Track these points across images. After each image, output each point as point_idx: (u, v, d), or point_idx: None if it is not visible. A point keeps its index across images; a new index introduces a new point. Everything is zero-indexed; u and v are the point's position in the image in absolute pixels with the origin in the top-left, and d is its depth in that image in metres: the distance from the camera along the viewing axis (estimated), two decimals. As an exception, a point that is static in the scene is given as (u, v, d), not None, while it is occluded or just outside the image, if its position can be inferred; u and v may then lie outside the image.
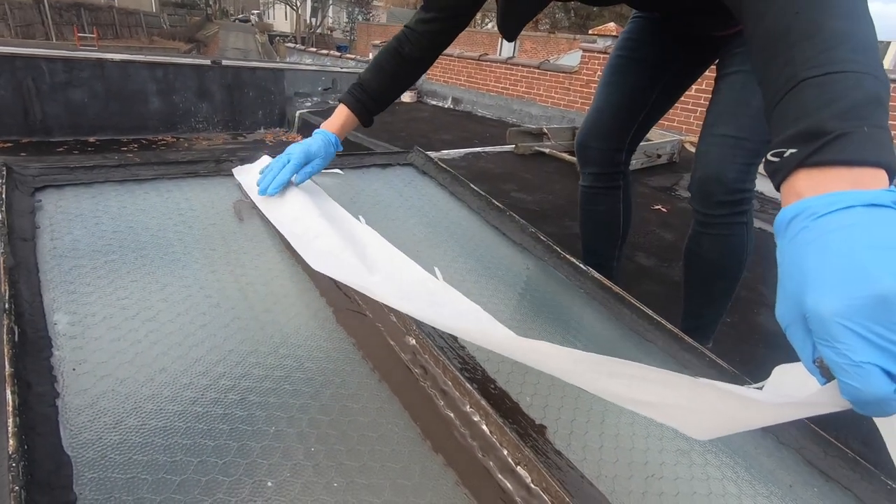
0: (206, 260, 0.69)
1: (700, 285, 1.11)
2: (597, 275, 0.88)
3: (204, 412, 0.49)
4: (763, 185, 1.61)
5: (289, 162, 0.84)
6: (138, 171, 0.84)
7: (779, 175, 0.38)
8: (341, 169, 1.06)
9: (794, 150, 0.37)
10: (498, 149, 3.11)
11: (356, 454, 0.49)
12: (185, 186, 0.85)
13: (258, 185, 0.84)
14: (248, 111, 5.84)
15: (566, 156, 2.99)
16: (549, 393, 0.63)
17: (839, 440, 0.64)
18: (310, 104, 6.25)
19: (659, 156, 3.11)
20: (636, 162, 2.94)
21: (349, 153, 1.12)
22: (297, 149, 0.86)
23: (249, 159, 0.97)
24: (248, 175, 0.93)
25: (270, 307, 0.65)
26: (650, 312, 0.81)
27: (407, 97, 7.03)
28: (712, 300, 1.13)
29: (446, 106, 6.89)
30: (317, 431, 0.50)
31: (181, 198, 0.82)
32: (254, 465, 0.45)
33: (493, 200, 1.06)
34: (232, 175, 0.92)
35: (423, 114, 6.15)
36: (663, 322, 0.80)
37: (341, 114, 0.94)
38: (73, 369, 0.49)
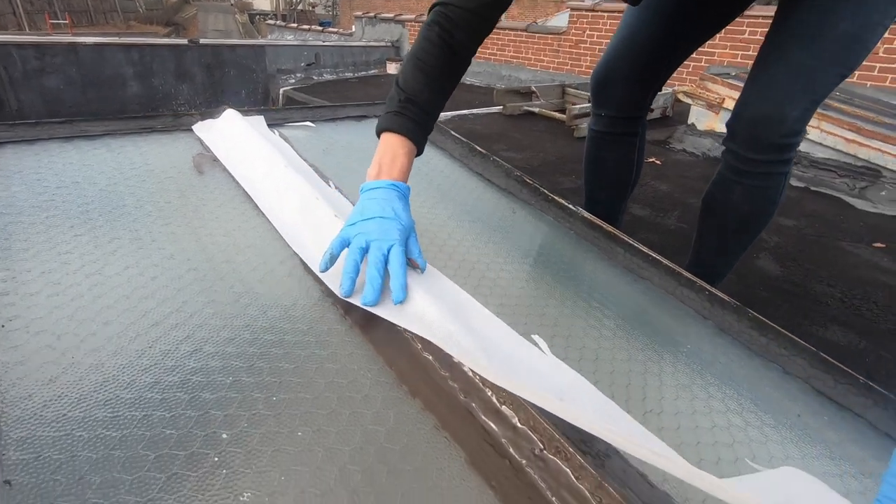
0: (159, 213, 0.64)
1: (719, 236, 1.01)
2: (586, 214, 0.83)
3: (152, 365, 0.44)
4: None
5: (389, 251, 0.55)
6: (87, 127, 0.77)
7: None
8: (312, 122, 1.00)
9: None
10: (485, 110, 3.02)
11: (324, 401, 0.44)
12: (140, 142, 0.79)
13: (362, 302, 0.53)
14: (231, 91, 5.68)
15: (556, 114, 2.90)
16: (538, 327, 0.58)
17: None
18: (293, 81, 6.09)
19: (651, 110, 3.02)
20: (629, 117, 2.86)
21: (321, 105, 1.05)
22: (381, 228, 0.56)
23: (212, 115, 0.91)
24: (211, 131, 0.87)
25: (232, 258, 0.59)
26: (645, 249, 0.76)
27: (393, 69, 6.85)
28: (727, 252, 1.04)
29: (434, 76, 6.71)
30: (280, 380, 0.45)
31: (135, 153, 0.76)
32: (207, 417, 0.41)
33: (476, 146, 0.99)
34: (192, 131, 0.86)
35: (410, 85, 5.98)
36: (658, 258, 0.75)
37: (398, 147, 0.65)
38: (2, 326, 0.44)
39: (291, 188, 0.71)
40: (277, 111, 0.99)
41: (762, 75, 0.83)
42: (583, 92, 3.08)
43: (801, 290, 1.29)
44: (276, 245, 0.63)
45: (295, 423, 0.42)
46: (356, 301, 0.54)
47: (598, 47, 5.08)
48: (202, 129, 0.86)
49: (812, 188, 2.13)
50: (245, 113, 0.92)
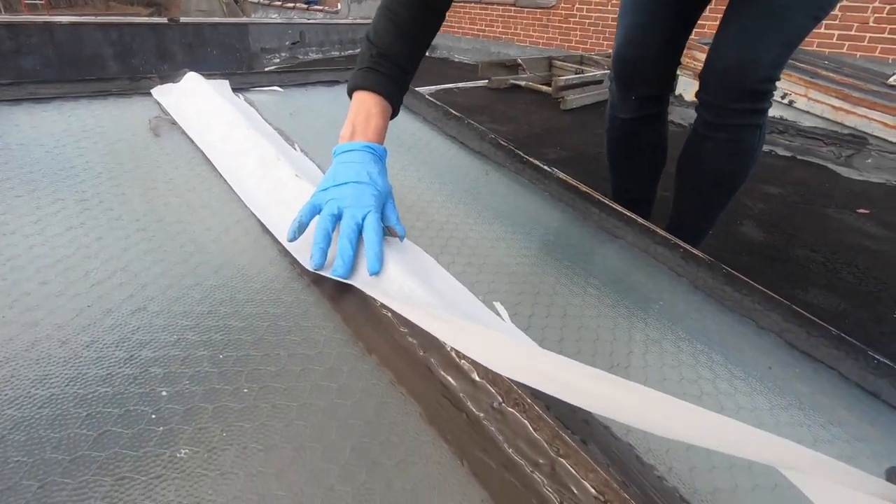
0: (109, 175, 0.61)
1: (697, 195, 0.99)
2: (561, 175, 0.81)
3: (90, 324, 0.42)
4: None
5: (364, 219, 0.51)
6: (37, 89, 0.74)
7: None
8: (281, 86, 0.96)
9: None
10: (471, 84, 2.96)
11: (273, 359, 0.42)
12: (94, 105, 0.76)
13: (335, 272, 0.49)
14: (214, 70, 5.56)
15: (543, 87, 2.85)
16: (506, 286, 0.56)
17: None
18: (278, 60, 5.95)
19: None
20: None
21: (289, 69, 1.01)
22: (355, 195, 0.52)
23: (172, 79, 0.87)
24: (171, 95, 0.83)
25: (184, 218, 0.57)
26: (619, 208, 0.74)
27: (380, 47, 6.72)
28: (707, 212, 1.01)
29: (422, 53, 6.60)
30: (228, 338, 0.43)
31: (88, 116, 0.72)
32: (146, 374, 0.39)
33: (450, 109, 0.96)
34: (151, 95, 0.82)
35: (397, 62, 5.89)
36: (633, 216, 0.73)
37: (372, 106, 0.60)
38: (-72, 286, 0.42)
39: (252, 149, 0.68)
40: (244, 75, 0.95)
41: (733, 20, 0.80)
42: (569, 64, 3.03)
43: (783, 255, 1.28)
44: (232, 206, 0.60)
45: (241, 380, 0.40)
46: (326, 274, 0.50)
47: (587, 21, 4.99)
48: (161, 92, 0.83)
49: (799, 157, 2.12)
50: (209, 76, 0.88)
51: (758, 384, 0.52)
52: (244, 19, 6.50)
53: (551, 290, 0.58)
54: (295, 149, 0.75)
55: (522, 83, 2.94)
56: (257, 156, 0.67)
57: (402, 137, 0.87)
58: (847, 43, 3.50)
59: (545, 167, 0.82)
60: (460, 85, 2.94)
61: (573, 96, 2.53)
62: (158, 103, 0.80)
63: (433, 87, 2.77)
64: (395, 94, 0.63)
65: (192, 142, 0.71)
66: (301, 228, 0.52)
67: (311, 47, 6.53)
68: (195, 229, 0.55)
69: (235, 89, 0.89)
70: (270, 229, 0.56)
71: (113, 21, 5.22)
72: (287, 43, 6.29)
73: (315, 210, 0.52)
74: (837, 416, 0.51)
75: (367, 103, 0.61)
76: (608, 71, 2.91)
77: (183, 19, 5.83)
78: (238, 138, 0.70)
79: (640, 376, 0.50)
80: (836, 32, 3.49)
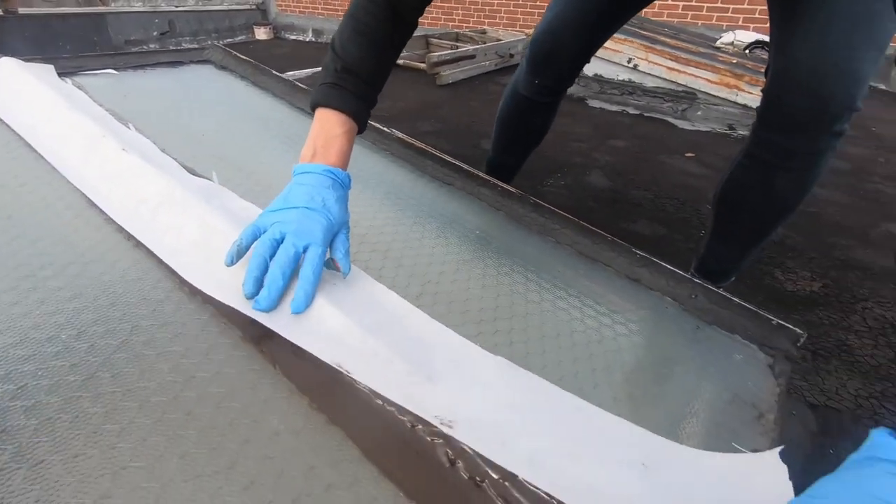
0: None
1: (749, 233, 0.89)
2: (400, 134, 0.89)
3: None
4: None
5: (306, 251, 0.48)
6: None
7: None
8: (116, 69, 0.94)
9: None
10: (351, 66, 2.97)
11: (115, 334, 0.46)
12: None
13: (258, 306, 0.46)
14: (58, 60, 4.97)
15: (419, 64, 2.93)
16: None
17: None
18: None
19: (511, 55, 3.17)
20: (488, 63, 2.98)
21: (127, 52, 0.99)
22: (301, 221, 0.49)
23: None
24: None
25: (6, 205, 0.57)
26: (449, 159, 0.84)
27: (262, 34, 6.40)
28: (753, 247, 0.92)
29: (307, 39, 6.39)
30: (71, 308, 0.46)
31: None
32: (-43, 333, 0.41)
33: (299, 84, 1.00)
34: (-41, 83, 0.78)
35: (283, 50, 5.66)
36: (462, 165, 0.83)
37: (336, 126, 0.57)
38: None
39: (75, 130, 0.68)
40: (72, 59, 0.92)
41: (808, 26, 0.65)
42: (444, 41, 3.13)
43: (622, 196, 1.48)
44: (55, 184, 0.61)
45: (94, 369, 0.43)
46: (247, 308, 0.45)
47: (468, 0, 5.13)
48: (-29, 82, 0.78)
49: (645, 114, 2.40)
50: (29, 61, 0.85)
51: (547, 284, 0.64)
52: (100, 9, 5.86)
53: (392, 232, 0.66)
54: (129, 128, 0.75)
55: (400, 62, 3.00)
56: (83, 135, 0.67)
57: (250, 117, 0.90)
58: (690, 13, 3.95)
59: (384, 128, 0.89)
60: (339, 67, 2.94)
61: (448, 71, 2.64)
62: (-33, 91, 0.76)
63: (309, 70, 2.74)
64: (361, 112, 0.59)
65: (10, 127, 0.69)
66: (240, 253, 0.47)
67: (184, 37, 6.06)
68: (10, 208, 0.56)
69: (62, 73, 0.86)
70: (98, 204, 0.58)
71: (-72, 16, 4.47)
72: (155, 33, 5.79)
73: (257, 232, 0.48)
74: (609, 301, 0.64)
75: (330, 123, 0.57)
76: (480, 46, 3.06)
77: (23, 10, 5.14)
78: (61, 120, 0.70)
79: (448, 288, 0.59)
80: (681, 3, 3.91)
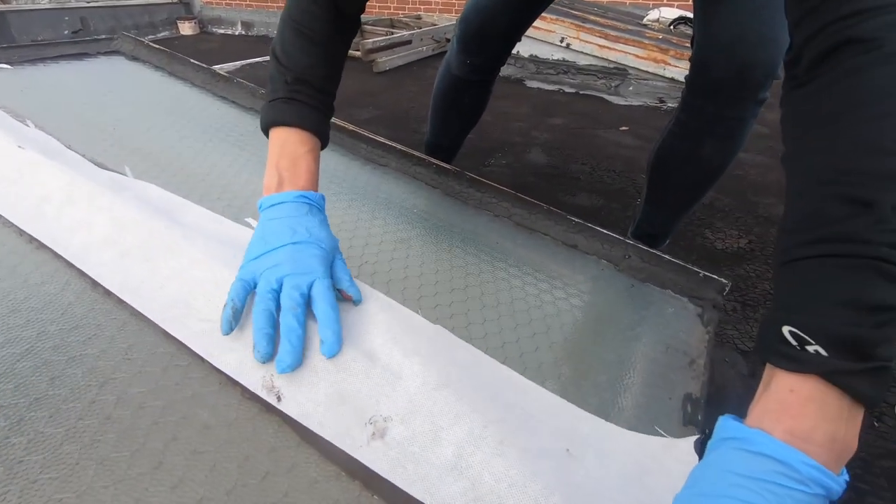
0: None
1: (682, 197, 0.93)
2: (338, 122, 0.86)
3: None
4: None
5: (311, 288, 0.43)
6: None
7: (779, 358, 0.29)
8: (9, 63, 0.86)
9: (822, 352, 0.28)
10: (283, 57, 2.87)
11: (17, 342, 0.42)
12: None
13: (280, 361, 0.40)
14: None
15: (353, 52, 2.86)
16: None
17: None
18: (57, 53, 5.05)
19: (448, 40, 3.16)
20: (425, 49, 2.96)
21: (23, 45, 0.90)
22: (294, 259, 0.44)
23: None
24: None
25: None
26: (385, 140, 0.82)
27: (188, 28, 6.05)
28: (686, 211, 0.97)
29: (237, 33, 6.09)
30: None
31: None
32: None
33: (218, 71, 0.95)
34: None
35: (210, 45, 5.38)
36: (394, 145, 0.82)
37: (298, 145, 0.51)
38: None
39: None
40: (-45, 55, 0.83)
41: None
42: (379, 28, 3.08)
43: (560, 171, 1.51)
44: (-60, 187, 0.55)
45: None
46: (271, 371, 0.40)
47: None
48: None
49: (580, 92, 2.46)
50: None
51: (484, 256, 0.64)
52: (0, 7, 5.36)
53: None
54: (27, 125, 0.69)
55: (336, 51, 2.92)
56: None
57: (165, 105, 0.84)
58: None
59: (314, 113, 0.87)
60: (268, 57, 2.83)
61: (384, 58, 2.60)
62: None
63: (238, 63, 2.62)
64: (321, 125, 0.54)
65: None
66: (237, 316, 0.41)
67: (100, 35, 5.67)
68: None
69: (-56, 70, 0.78)
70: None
71: None
72: (66, 32, 5.37)
73: (248, 287, 0.43)
74: (546, 267, 0.65)
75: (290, 142, 0.51)
76: (416, 31, 3.02)
77: None
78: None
79: (394, 269, 0.58)
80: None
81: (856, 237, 0.28)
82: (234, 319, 0.41)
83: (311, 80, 0.52)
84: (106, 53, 1.00)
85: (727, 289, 0.64)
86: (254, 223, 0.57)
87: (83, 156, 0.65)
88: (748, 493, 0.26)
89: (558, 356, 0.51)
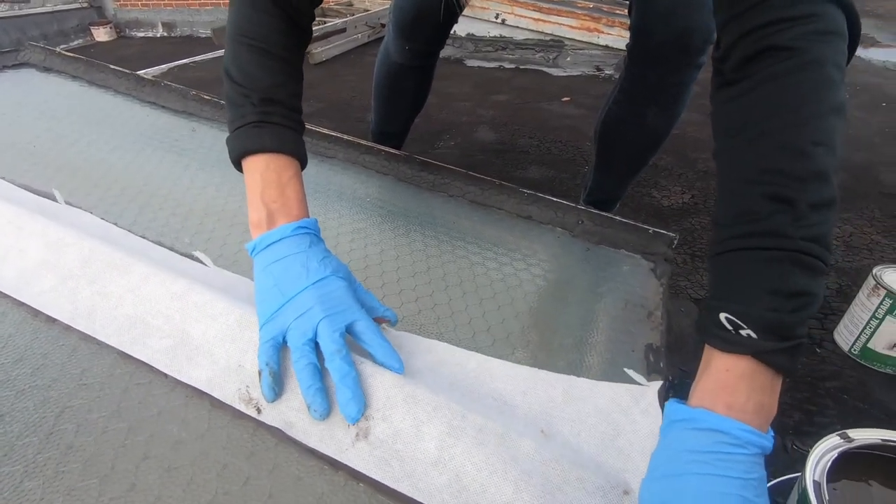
0: None
1: (630, 163, 0.97)
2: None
3: None
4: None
5: (352, 327, 0.41)
6: None
7: (718, 341, 0.34)
8: None
9: (753, 335, 0.32)
10: (210, 55, 2.73)
11: None
12: None
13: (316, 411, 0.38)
14: None
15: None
16: (212, 230, 0.58)
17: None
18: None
19: (382, 25, 3.09)
20: (360, 36, 2.89)
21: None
22: (322, 300, 0.40)
23: None
24: None
25: None
26: (332, 133, 0.81)
27: (103, 34, 5.64)
28: (634, 175, 1.01)
29: (158, 35, 5.74)
30: None
31: None
32: None
33: (143, 76, 0.90)
34: None
35: (131, 50, 5.05)
36: (341, 136, 0.80)
37: (282, 171, 0.46)
38: None
39: None
40: None
41: None
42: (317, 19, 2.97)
43: (509, 147, 1.53)
44: None
45: None
46: (246, 383, 0.39)
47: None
48: None
49: (521, 67, 2.48)
50: None
51: (444, 235, 0.64)
52: None
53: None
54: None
55: (268, 45, 2.81)
56: None
57: (88, 116, 0.79)
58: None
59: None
60: (198, 58, 2.69)
61: (319, 49, 2.52)
62: None
63: (164, 66, 2.48)
64: (300, 146, 0.49)
65: None
66: (277, 379, 0.38)
67: (3, 48, 5.22)
68: None
69: None
70: None
71: None
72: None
73: (278, 345, 0.40)
74: (503, 239, 0.66)
75: (272, 170, 0.46)
76: (349, 18, 2.95)
77: None
78: None
79: (354, 259, 0.58)
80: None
81: (778, 232, 0.33)
82: (276, 384, 0.38)
83: (280, 99, 0.47)
84: (13, 67, 0.92)
85: (675, 242, 0.67)
86: (202, 258, 0.55)
87: (2, 178, 0.61)
88: (702, 465, 0.31)
89: (525, 324, 0.53)
